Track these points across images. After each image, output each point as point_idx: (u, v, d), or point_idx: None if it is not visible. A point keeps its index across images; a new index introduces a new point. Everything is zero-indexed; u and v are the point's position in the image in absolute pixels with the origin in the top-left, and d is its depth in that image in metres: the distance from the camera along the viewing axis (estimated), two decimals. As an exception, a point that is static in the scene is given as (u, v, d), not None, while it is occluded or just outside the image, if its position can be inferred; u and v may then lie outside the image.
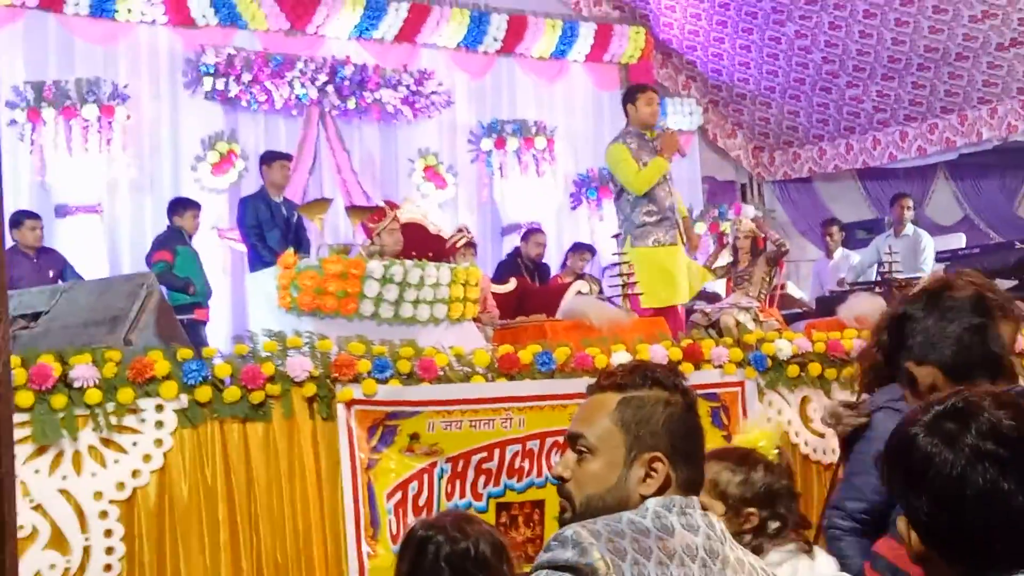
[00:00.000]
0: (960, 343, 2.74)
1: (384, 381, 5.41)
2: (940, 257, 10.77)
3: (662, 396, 2.20)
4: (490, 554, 3.06)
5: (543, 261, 11.24)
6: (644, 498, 2.12)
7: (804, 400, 6.72)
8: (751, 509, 3.18)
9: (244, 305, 8.28)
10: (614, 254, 8.12)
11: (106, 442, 4.84)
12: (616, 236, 10.25)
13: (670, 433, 2.17)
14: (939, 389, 2.64)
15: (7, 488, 1.01)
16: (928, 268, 10.43)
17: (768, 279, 9.36)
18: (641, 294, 7.63)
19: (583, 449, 2.19)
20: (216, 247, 10.73)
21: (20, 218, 8.93)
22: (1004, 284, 9.57)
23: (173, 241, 9.37)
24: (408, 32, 12.15)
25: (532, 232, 11.28)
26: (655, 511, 2.07)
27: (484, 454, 5.61)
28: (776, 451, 3.53)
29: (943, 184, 13.93)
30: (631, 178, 7.78)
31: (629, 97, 8.11)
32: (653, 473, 2.14)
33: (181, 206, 9.64)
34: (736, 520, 3.11)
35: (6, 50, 10.13)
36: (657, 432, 2.17)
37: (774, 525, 3.25)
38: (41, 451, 4.70)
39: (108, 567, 4.76)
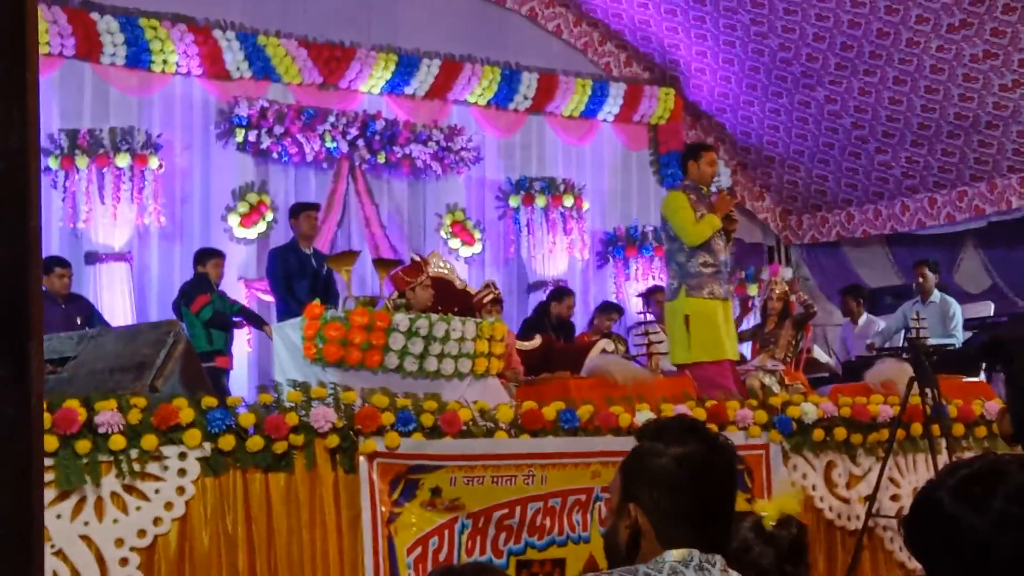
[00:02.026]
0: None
1: (407, 434, 5.41)
2: (968, 325, 10.71)
3: (656, 448, 2.23)
4: None
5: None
6: (627, 546, 2.18)
7: (829, 465, 6.68)
8: None
9: (269, 355, 8.31)
10: (639, 313, 8.07)
11: (129, 489, 4.85)
12: (641, 295, 10.24)
13: (651, 485, 2.20)
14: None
15: (37, 545, 1.02)
16: (959, 335, 10.37)
17: (794, 342, 9.32)
18: (663, 353, 7.60)
19: (606, 495, 2.28)
20: (242, 297, 10.78)
21: (50, 265, 9.00)
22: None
23: (205, 286, 9.45)
24: (439, 88, 12.26)
25: (565, 294, 11.23)
26: (671, 565, 2.09)
27: (505, 510, 5.60)
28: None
29: (971, 252, 13.85)
30: (687, 228, 7.66)
31: (692, 153, 8.03)
32: (628, 522, 2.19)
33: (206, 255, 9.71)
34: None
35: (42, 98, 10.22)
36: (640, 482, 2.21)
37: None
38: (64, 496, 4.71)
39: (127, 614, 4.75)
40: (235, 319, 9.60)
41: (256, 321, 9.78)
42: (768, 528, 3.44)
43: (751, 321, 10.65)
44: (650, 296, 11.58)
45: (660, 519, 2.17)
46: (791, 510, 3.52)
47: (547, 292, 11.58)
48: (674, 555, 2.11)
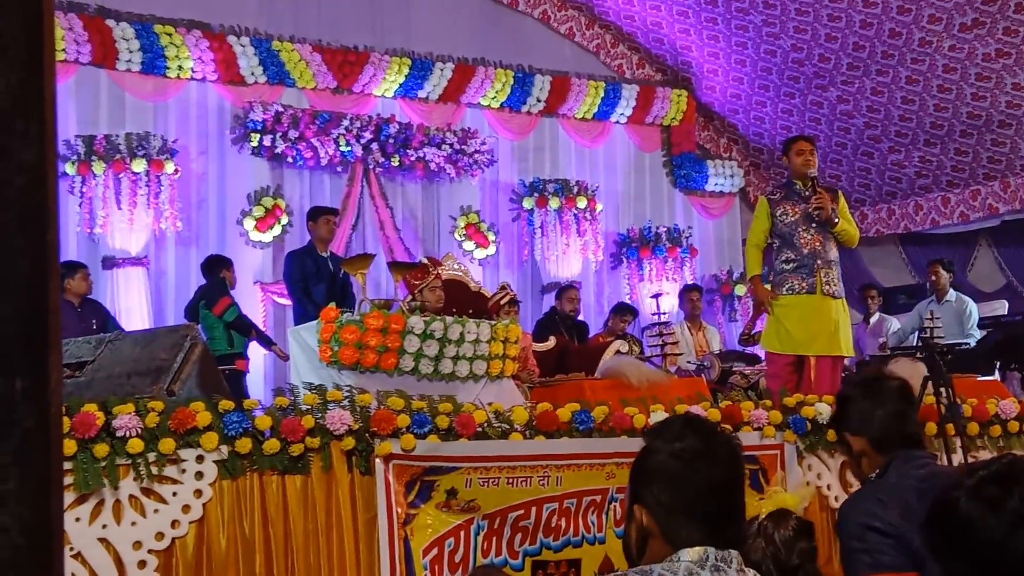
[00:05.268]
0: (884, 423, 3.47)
1: (423, 436, 5.42)
2: (983, 323, 10.68)
3: (655, 446, 2.21)
4: None
5: (580, 319, 11.25)
6: (636, 548, 2.16)
7: (844, 464, 6.66)
8: None
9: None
10: (653, 313, 8.09)
11: (147, 492, 4.87)
12: (655, 296, 10.25)
13: (651, 483, 2.18)
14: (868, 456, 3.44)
15: (57, 557, 1.03)
16: (975, 334, 10.33)
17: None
18: (678, 354, 7.60)
19: (622, 496, 2.27)
20: (258, 301, 10.82)
21: (75, 267, 9.05)
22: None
23: (225, 290, 9.50)
24: (452, 92, 12.29)
25: (565, 288, 11.31)
26: (687, 566, 2.07)
27: (521, 512, 5.60)
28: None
29: (985, 250, 13.82)
30: (749, 234, 8.14)
31: (785, 149, 8.14)
32: (635, 524, 2.18)
33: (219, 263, 9.72)
34: None
35: (59, 104, 10.27)
36: (642, 482, 2.20)
37: None
38: (82, 499, 4.73)
39: (145, 617, 4.77)
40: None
41: (265, 341, 9.89)
42: (761, 522, 3.46)
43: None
44: (684, 295, 11.62)
45: (664, 516, 2.14)
46: (791, 506, 3.52)
47: (555, 292, 11.61)
48: (689, 554, 2.09)
